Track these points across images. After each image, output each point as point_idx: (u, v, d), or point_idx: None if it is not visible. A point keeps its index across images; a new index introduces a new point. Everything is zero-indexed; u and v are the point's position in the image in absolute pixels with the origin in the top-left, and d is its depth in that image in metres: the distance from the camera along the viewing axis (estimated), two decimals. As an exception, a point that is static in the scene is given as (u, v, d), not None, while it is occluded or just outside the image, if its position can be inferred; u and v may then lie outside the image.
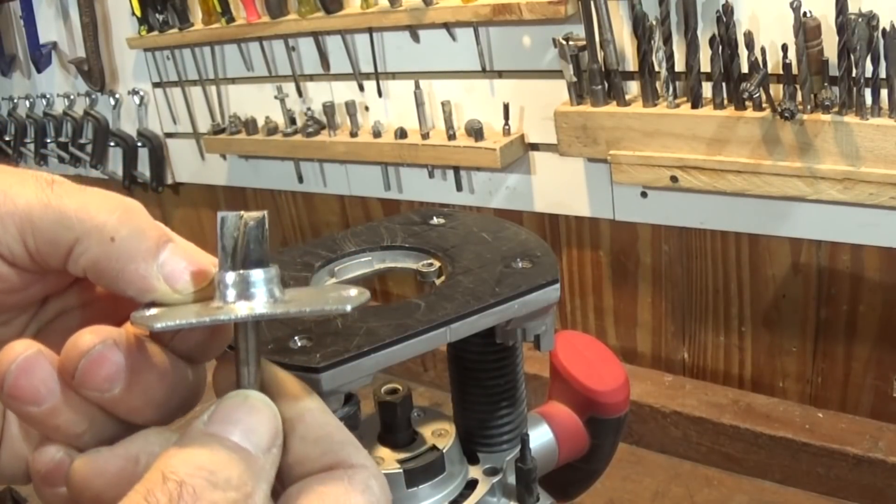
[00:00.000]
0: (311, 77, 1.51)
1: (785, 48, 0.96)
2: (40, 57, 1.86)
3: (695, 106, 1.07)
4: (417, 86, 1.34)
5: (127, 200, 0.34)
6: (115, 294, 0.34)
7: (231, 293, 0.32)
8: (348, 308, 0.32)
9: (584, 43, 1.12)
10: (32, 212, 0.32)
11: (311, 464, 0.32)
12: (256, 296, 0.32)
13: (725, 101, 1.04)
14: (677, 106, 1.09)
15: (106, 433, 0.33)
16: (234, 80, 1.62)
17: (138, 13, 1.59)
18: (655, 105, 1.11)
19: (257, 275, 0.32)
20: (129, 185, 1.86)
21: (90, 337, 0.31)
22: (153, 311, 0.32)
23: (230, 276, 0.32)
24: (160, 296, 0.33)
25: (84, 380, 0.31)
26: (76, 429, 0.32)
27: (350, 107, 1.43)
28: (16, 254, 0.33)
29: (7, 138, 2.05)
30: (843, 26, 0.91)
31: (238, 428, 0.30)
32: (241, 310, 0.32)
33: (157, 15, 1.58)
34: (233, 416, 0.31)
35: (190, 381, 0.35)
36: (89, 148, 1.87)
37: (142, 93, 1.79)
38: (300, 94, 1.52)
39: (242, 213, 0.33)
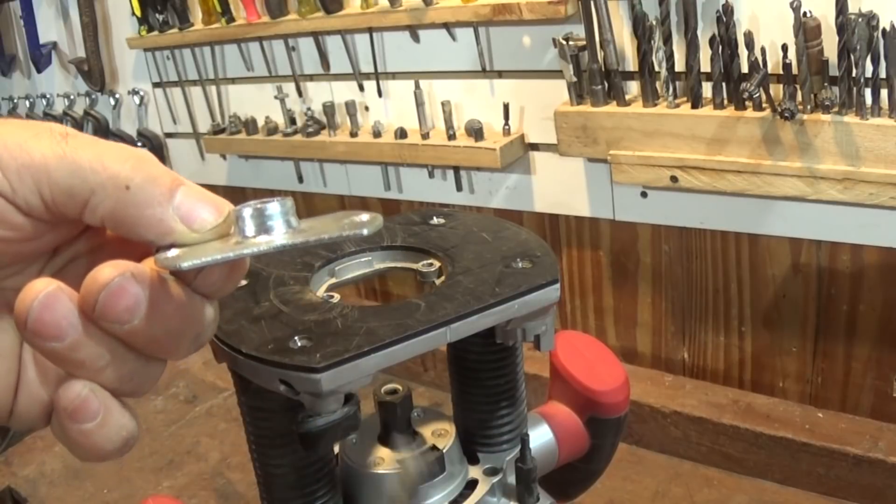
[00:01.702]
0: (311, 77, 1.51)
1: (785, 48, 0.96)
2: (40, 57, 1.86)
3: (695, 106, 1.07)
4: (417, 86, 1.34)
5: (139, 150, 0.35)
6: (134, 240, 0.35)
7: (250, 227, 0.33)
8: (364, 232, 0.33)
9: (584, 43, 1.12)
10: (48, 164, 0.33)
11: None
12: (275, 228, 0.33)
13: (725, 101, 1.04)
14: (677, 106, 1.09)
15: (126, 367, 0.34)
16: (234, 80, 1.62)
17: (138, 13, 1.59)
18: (655, 105, 1.11)
19: (273, 207, 0.34)
20: (129, 185, 1.86)
21: (109, 270, 0.32)
22: (174, 252, 0.33)
23: (248, 211, 0.33)
24: (178, 237, 0.34)
25: (104, 312, 0.32)
26: (98, 363, 0.33)
27: (350, 107, 1.43)
28: (32, 205, 0.34)
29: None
30: (843, 26, 0.91)
31: None
32: (262, 242, 0.33)
33: (157, 15, 1.58)
34: None
35: (207, 314, 0.36)
36: (89, 148, 1.87)
37: (142, 93, 1.79)
38: (300, 94, 1.52)
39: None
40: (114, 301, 0.32)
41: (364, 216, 0.34)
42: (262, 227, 0.33)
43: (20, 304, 0.32)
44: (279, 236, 0.33)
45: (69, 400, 0.33)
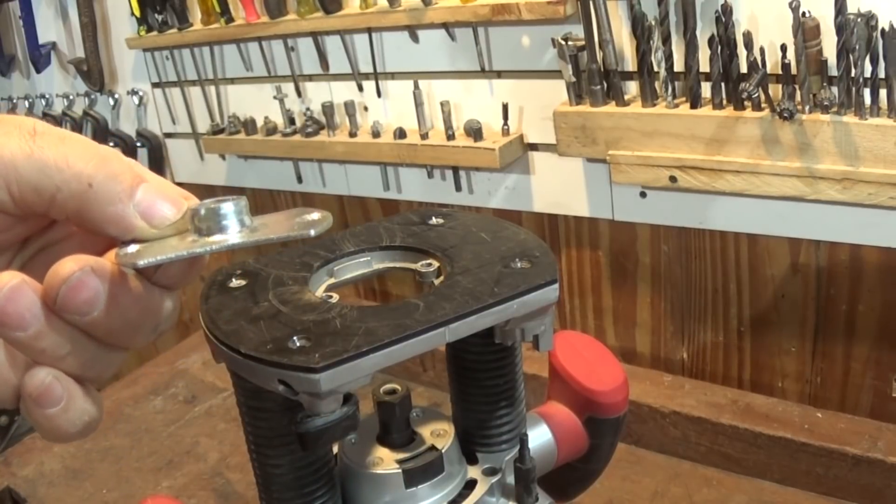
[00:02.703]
0: (311, 77, 1.51)
1: (784, 48, 0.96)
2: (39, 57, 1.86)
3: (694, 106, 1.07)
4: (416, 86, 1.34)
5: (102, 148, 0.37)
6: (99, 235, 0.37)
7: (205, 226, 0.35)
8: (312, 233, 0.36)
9: (583, 43, 1.12)
10: (16, 162, 0.35)
11: None
12: (229, 227, 0.36)
13: (724, 102, 1.05)
14: (676, 106, 1.09)
15: (87, 355, 0.36)
16: (233, 81, 1.62)
17: (137, 13, 1.59)
18: (654, 105, 1.11)
19: (227, 207, 0.36)
20: (128, 185, 1.86)
21: (70, 264, 0.34)
22: (134, 247, 0.36)
23: (203, 210, 0.35)
24: (139, 232, 0.36)
25: (65, 304, 0.34)
26: (60, 351, 0.35)
27: (349, 107, 1.43)
28: (2, 201, 0.35)
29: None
30: (842, 26, 0.91)
31: None
32: (216, 241, 0.35)
33: (156, 15, 1.58)
34: None
35: (165, 306, 0.38)
36: (88, 148, 1.87)
37: (141, 93, 1.79)
38: (299, 94, 1.52)
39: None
40: (74, 294, 0.34)
41: (315, 215, 0.37)
42: (217, 226, 0.35)
43: None
44: (233, 235, 0.35)
45: (34, 386, 0.35)
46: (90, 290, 0.34)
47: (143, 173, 0.37)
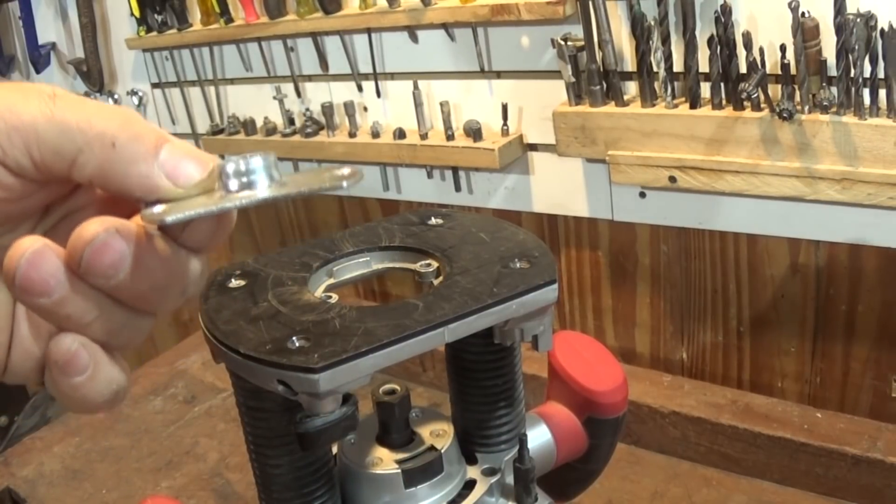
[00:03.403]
0: (310, 77, 1.51)
1: (783, 48, 0.96)
2: (39, 57, 1.86)
3: (693, 106, 1.07)
4: (416, 86, 1.34)
5: (125, 109, 0.36)
6: (122, 197, 0.36)
7: (233, 182, 0.34)
8: (344, 185, 0.34)
9: (583, 43, 1.12)
10: (37, 125, 0.34)
11: None
12: (258, 182, 0.34)
13: (724, 102, 1.05)
14: (676, 106, 1.09)
15: (114, 321, 0.35)
16: (232, 81, 1.62)
17: (137, 14, 1.59)
18: (654, 105, 1.11)
19: (256, 161, 0.34)
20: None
21: (94, 226, 0.33)
22: (160, 207, 0.34)
23: (231, 166, 0.34)
24: (164, 193, 0.35)
25: (90, 267, 0.33)
26: (86, 317, 0.34)
27: (349, 107, 1.43)
28: (22, 165, 0.34)
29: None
30: (841, 26, 0.91)
31: None
32: (245, 196, 0.34)
33: (155, 15, 1.58)
34: None
35: (193, 268, 0.37)
36: (88, 148, 1.87)
37: (140, 93, 1.79)
38: (299, 94, 1.52)
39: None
40: (98, 256, 0.33)
41: (345, 170, 0.35)
42: (246, 182, 0.34)
43: (8, 262, 0.33)
44: (262, 190, 0.34)
45: (59, 353, 0.35)
46: (115, 251, 0.33)
47: (166, 133, 0.36)
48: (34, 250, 0.33)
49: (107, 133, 0.34)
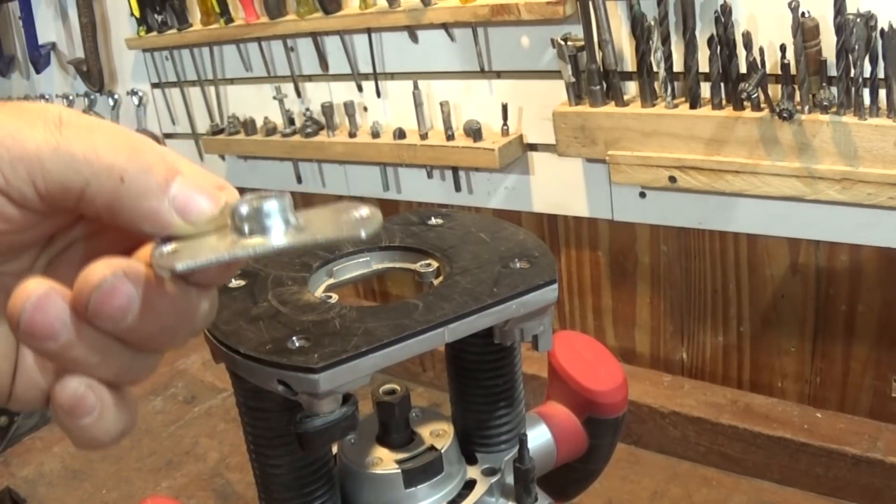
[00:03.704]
0: (310, 77, 1.51)
1: (783, 48, 0.96)
2: (39, 57, 1.86)
3: (693, 106, 1.07)
4: (416, 86, 1.34)
5: (134, 137, 0.34)
6: (131, 232, 0.34)
7: (247, 225, 0.33)
8: (363, 234, 0.32)
9: (583, 43, 1.12)
10: (42, 155, 0.32)
11: None
12: (272, 227, 0.33)
13: (724, 102, 1.05)
14: (676, 106, 1.09)
15: (121, 361, 0.34)
16: (232, 81, 1.62)
17: (137, 14, 1.59)
18: (654, 105, 1.11)
19: (271, 205, 0.33)
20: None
21: (101, 269, 0.32)
22: (170, 246, 0.33)
23: (244, 208, 0.33)
24: (175, 230, 0.33)
25: (97, 312, 0.32)
26: (93, 360, 0.33)
27: (349, 107, 1.43)
28: (27, 197, 0.33)
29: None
30: (841, 26, 0.91)
31: None
32: (258, 243, 0.32)
33: (155, 16, 1.58)
34: None
35: (202, 307, 0.35)
36: (88, 148, 1.87)
37: (140, 93, 1.79)
38: (299, 94, 1.52)
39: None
40: (106, 301, 0.32)
41: (363, 211, 0.34)
42: (260, 226, 0.33)
43: (12, 307, 0.31)
44: (277, 236, 0.33)
45: (66, 397, 0.34)
46: (123, 296, 0.32)
47: (177, 163, 0.35)
48: (39, 295, 0.31)
49: (115, 166, 0.33)
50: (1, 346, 0.36)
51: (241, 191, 0.36)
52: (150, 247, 0.34)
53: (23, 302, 0.31)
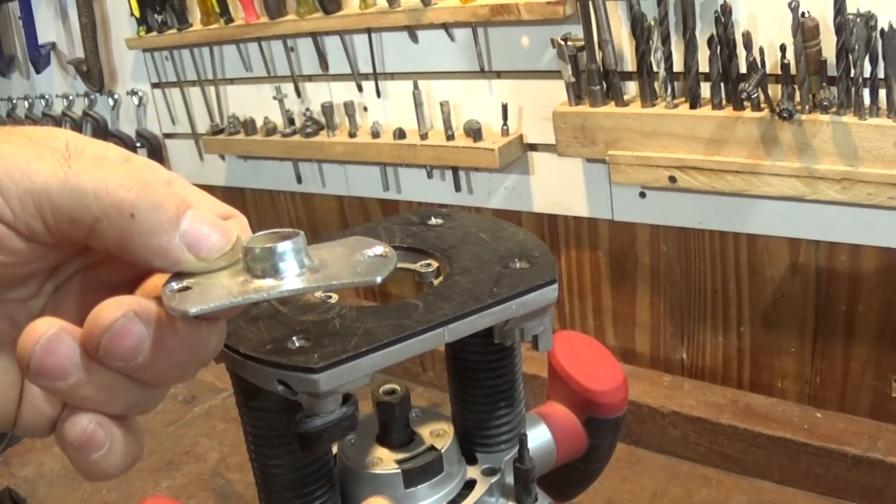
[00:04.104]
0: (310, 77, 1.51)
1: (783, 48, 0.96)
2: (39, 57, 1.86)
3: (693, 106, 1.07)
4: (416, 86, 1.34)
5: (144, 170, 0.34)
6: (142, 267, 0.34)
7: (259, 266, 0.32)
8: (378, 280, 0.32)
9: (583, 43, 1.12)
10: (50, 189, 0.32)
11: None
12: (286, 269, 0.32)
13: (724, 102, 1.05)
14: (676, 106, 1.09)
15: (131, 397, 0.34)
16: (232, 81, 1.62)
17: (137, 14, 1.59)
18: (654, 105, 1.11)
19: (285, 246, 0.32)
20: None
21: (112, 310, 0.32)
22: (180, 283, 0.33)
23: (258, 250, 0.32)
24: (186, 266, 0.33)
25: (108, 353, 0.32)
26: (102, 397, 0.33)
27: (349, 107, 1.43)
28: (34, 230, 0.33)
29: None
30: (841, 26, 0.91)
31: None
32: (271, 287, 0.32)
33: (155, 16, 1.58)
34: None
35: (211, 341, 0.35)
36: (88, 148, 1.87)
37: (140, 93, 1.79)
38: (299, 94, 1.52)
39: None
40: (117, 342, 0.32)
41: (377, 249, 0.33)
42: (273, 268, 0.32)
43: (22, 348, 0.31)
44: (290, 279, 0.32)
45: (76, 435, 0.33)
46: (134, 336, 0.32)
47: (187, 195, 0.34)
48: (49, 336, 0.31)
49: (125, 202, 0.32)
50: (7, 374, 0.36)
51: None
52: (159, 279, 0.34)
53: (34, 343, 0.31)
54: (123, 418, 0.35)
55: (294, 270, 0.32)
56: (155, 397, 0.35)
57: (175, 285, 0.33)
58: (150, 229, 0.33)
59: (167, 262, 0.33)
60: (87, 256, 0.37)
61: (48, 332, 0.31)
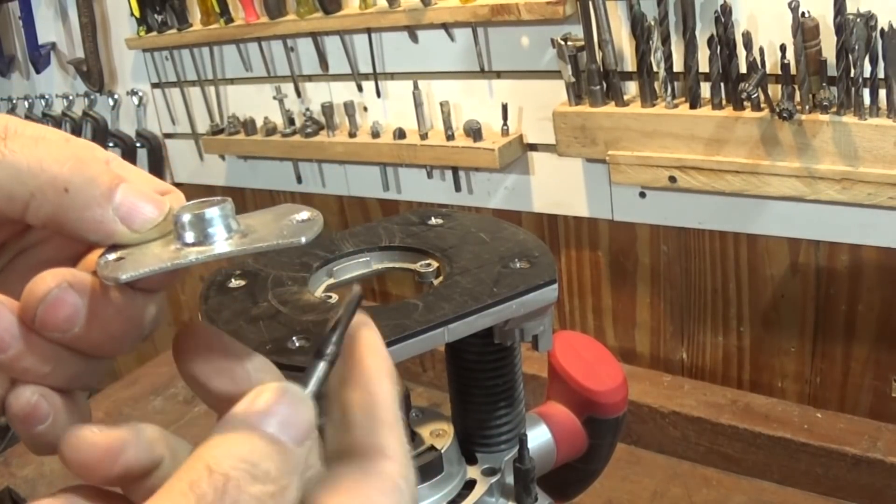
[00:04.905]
0: (310, 77, 1.51)
1: (783, 48, 0.96)
2: (39, 57, 1.86)
3: (693, 106, 1.07)
4: (416, 86, 1.34)
5: (78, 147, 0.35)
6: (77, 241, 0.35)
7: (189, 233, 0.33)
8: (303, 241, 0.33)
9: (583, 43, 1.12)
10: None
11: (347, 440, 0.34)
12: (215, 235, 0.33)
13: (724, 102, 1.05)
14: (676, 106, 1.09)
15: (72, 369, 0.35)
16: (232, 81, 1.62)
17: (137, 14, 1.59)
18: (654, 105, 1.11)
19: (212, 212, 0.33)
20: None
21: (46, 281, 0.32)
22: (115, 255, 0.34)
23: (186, 217, 0.33)
24: (119, 238, 0.34)
25: (44, 323, 0.33)
26: (43, 369, 0.34)
27: (349, 107, 1.43)
28: None
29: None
30: (841, 26, 0.91)
31: (276, 419, 0.32)
32: (201, 250, 0.33)
33: (155, 15, 1.58)
34: (271, 408, 0.32)
35: (149, 311, 0.36)
36: (88, 148, 1.87)
37: (140, 93, 1.79)
38: (299, 94, 1.52)
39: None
40: (52, 312, 0.32)
41: (303, 214, 0.35)
42: (202, 234, 0.33)
43: None
44: (219, 243, 0.33)
45: (19, 406, 0.34)
46: (69, 306, 0.33)
47: (121, 171, 0.35)
48: None
49: (59, 177, 0.33)
50: None
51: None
52: (97, 254, 0.35)
53: None
54: (69, 392, 0.36)
55: (223, 235, 0.34)
56: (97, 370, 0.36)
57: (110, 256, 0.34)
58: (84, 203, 0.33)
59: (101, 235, 0.34)
60: (30, 237, 0.38)
61: None
